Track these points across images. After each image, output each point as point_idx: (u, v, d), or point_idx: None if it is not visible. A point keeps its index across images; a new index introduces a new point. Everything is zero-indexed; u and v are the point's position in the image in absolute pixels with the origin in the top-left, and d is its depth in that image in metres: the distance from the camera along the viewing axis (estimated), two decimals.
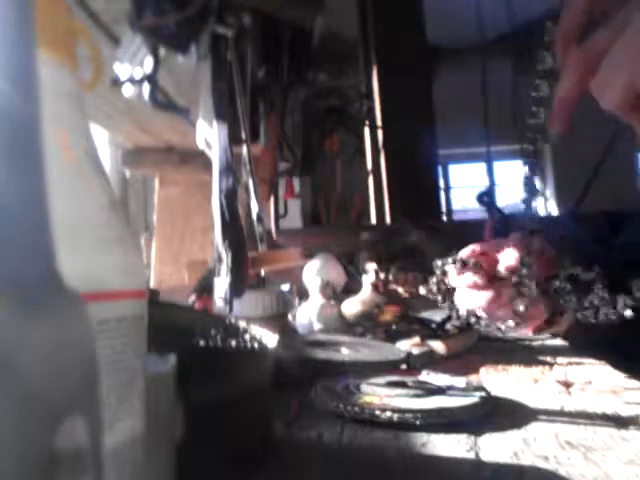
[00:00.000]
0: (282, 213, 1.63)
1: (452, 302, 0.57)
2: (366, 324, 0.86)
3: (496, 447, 0.40)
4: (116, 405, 0.20)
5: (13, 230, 0.11)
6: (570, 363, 0.68)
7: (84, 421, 0.12)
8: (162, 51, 0.87)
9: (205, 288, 0.89)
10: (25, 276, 0.12)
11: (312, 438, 0.43)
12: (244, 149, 0.91)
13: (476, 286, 0.54)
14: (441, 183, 3.93)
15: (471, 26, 2.88)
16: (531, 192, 0.52)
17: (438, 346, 0.73)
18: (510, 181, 4.30)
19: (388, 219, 1.84)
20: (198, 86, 0.92)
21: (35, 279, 0.12)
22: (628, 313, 0.44)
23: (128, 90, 0.89)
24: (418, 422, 0.44)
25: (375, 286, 0.90)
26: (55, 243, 0.13)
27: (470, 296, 0.55)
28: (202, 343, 0.46)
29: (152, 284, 1.71)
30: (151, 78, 0.86)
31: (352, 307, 0.88)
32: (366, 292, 0.90)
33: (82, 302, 0.14)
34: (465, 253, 0.57)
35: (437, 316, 0.88)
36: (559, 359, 0.70)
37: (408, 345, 0.72)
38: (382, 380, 0.54)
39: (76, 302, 0.14)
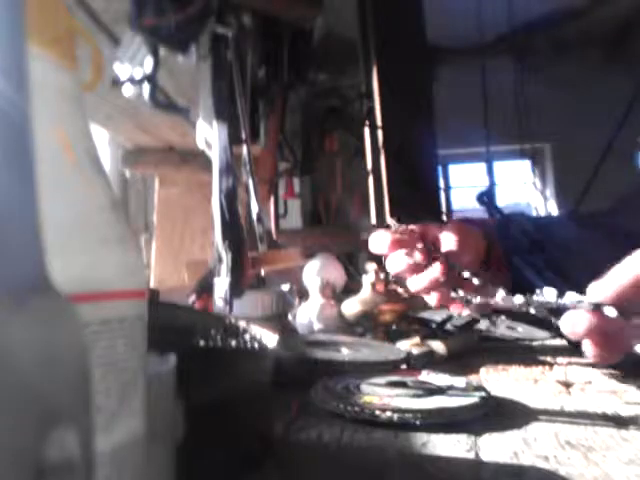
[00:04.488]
0: (282, 213, 1.63)
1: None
2: (366, 324, 0.86)
3: (496, 447, 0.40)
4: (116, 405, 0.20)
5: (1, 232, 0.11)
6: (570, 363, 0.68)
7: (74, 428, 0.12)
8: (162, 51, 0.87)
9: (205, 288, 0.89)
10: (13, 279, 0.11)
11: (312, 438, 0.43)
12: (244, 149, 0.91)
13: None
14: (441, 183, 3.93)
15: (471, 26, 2.88)
16: None
17: (438, 346, 0.73)
18: (510, 181, 4.30)
19: (388, 219, 1.84)
20: (198, 86, 0.92)
21: (24, 282, 0.12)
22: None
23: (128, 90, 0.89)
24: (418, 422, 0.44)
25: (375, 286, 0.90)
26: (44, 245, 0.13)
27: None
28: (202, 343, 0.46)
29: (152, 284, 1.71)
30: (151, 78, 0.86)
31: (352, 307, 0.88)
32: (366, 292, 0.90)
33: (71, 305, 0.13)
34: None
35: (437, 316, 0.88)
36: (559, 359, 0.70)
37: (408, 345, 0.72)
38: (382, 380, 0.54)
39: (65, 305, 0.13)
